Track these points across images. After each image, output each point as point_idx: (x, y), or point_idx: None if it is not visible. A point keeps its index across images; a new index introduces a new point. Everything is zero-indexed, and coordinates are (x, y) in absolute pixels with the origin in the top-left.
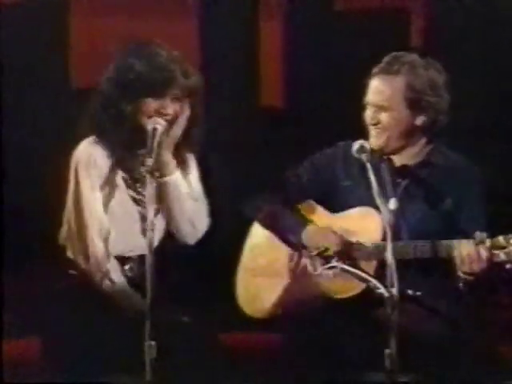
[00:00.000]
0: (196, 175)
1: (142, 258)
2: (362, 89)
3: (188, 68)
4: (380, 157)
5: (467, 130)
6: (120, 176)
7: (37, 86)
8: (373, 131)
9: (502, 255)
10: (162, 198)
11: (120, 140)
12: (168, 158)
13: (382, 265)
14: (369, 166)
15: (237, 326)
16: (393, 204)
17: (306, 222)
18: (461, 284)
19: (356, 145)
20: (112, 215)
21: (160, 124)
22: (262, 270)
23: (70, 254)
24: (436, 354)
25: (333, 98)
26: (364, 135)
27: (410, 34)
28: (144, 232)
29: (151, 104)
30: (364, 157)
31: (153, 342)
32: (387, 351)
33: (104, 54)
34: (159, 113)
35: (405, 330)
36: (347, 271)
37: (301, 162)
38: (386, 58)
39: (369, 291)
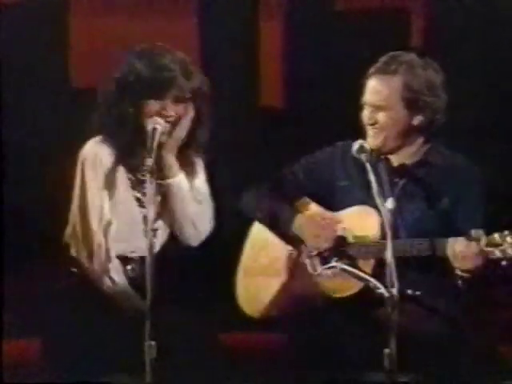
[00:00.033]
0: (203, 178)
1: (143, 258)
2: (361, 89)
3: (191, 69)
4: (377, 156)
5: (467, 129)
6: (125, 176)
7: (37, 86)
8: (370, 131)
9: (497, 252)
10: (166, 199)
11: (123, 141)
12: (171, 160)
13: (380, 263)
14: (368, 165)
15: (237, 326)
16: (390, 203)
17: (297, 212)
18: (459, 281)
19: (356, 145)
20: (116, 215)
21: (159, 124)
22: (262, 269)
23: (73, 252)
24: (436, 354)
25: (333, 98)
26: (364, 135)
27: (410, 34)
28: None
29: (152, 105)
30: (364, 157)
31: (153, 342)
32: (387, 351)
33: (104, 53)
34: (160, 114)
35: (404, 329)
36: (347, 271)
37: (298, 161)
38: (383, 58)
39: (368, 291)
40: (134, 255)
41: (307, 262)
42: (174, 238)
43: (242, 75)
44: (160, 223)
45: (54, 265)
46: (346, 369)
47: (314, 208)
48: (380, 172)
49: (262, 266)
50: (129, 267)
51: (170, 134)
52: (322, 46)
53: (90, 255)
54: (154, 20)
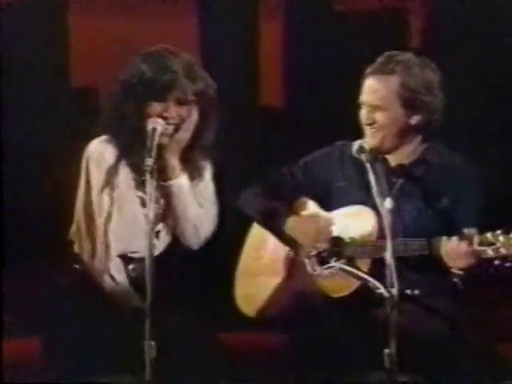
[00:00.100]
0: (209, 182)
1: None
2: (361, 89)
3: (196, 72)
4: (375, 156)
5: (466, 129)
6: (129, 176)
7: (37, 86)
8: (368, 131)
9: (489, 251)
10: (168, 201)
11: (125, 141)
12: (173, 161)
13: (376, 263)
14: (368, 166)
15: (236, 326)
16: (389, 203)
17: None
18: (456, 280)
19: (356, 145)
20: (119, 214)
21: (159, 124)
22: (261, 269)
23: (76, 248)
24: (435, 354)
25: (332, 98)
26: (363, 135)
27: (409, 34)
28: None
29: (154, 107)
30: (363, 157)
31: (152, 342)
32: (386, 351)
33: (104, 53)
34: (162, 116)
35: (404, 329)
36: (346, 271)
37: (297, 161)
38: (380, 58)
39: (366, 290)
40: (135, 255)
41: (306, 261)
42: (177, 240)
43: (242, 75)
44: (163, 225)
45: (56, 263)
46: (346, 369)
47: (311, 208)
48: (378, 172)
49: (262, 266)
50: (130, 267)
51: (172, 136)
52: (322, 46)
53: (93, 252)
54: (154, 20)
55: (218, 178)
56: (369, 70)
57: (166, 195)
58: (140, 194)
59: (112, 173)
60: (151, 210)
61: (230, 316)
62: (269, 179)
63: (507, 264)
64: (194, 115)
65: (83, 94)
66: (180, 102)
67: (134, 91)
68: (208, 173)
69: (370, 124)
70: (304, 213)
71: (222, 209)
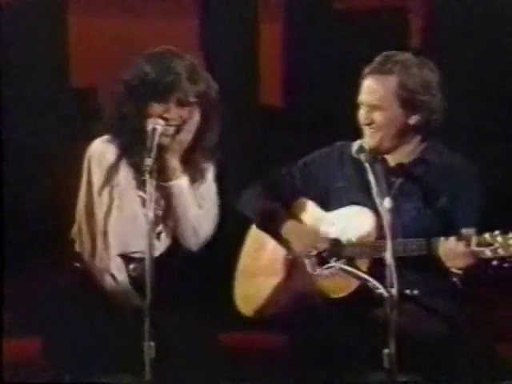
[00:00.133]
0: (211, 183)
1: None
2: (360, 89)
3: (199, 73)
4: (375, 156)
5: (466, 129)
6: (131, 176)
7: (36, 86)
8: (367, 131)
9: (487, 252)
10: (168, 202)
11: (126, 141)
12: (174, 162)
13: (375, 263)
14: (367, 166)
15: (236, 327)
16: (388, 203)
17: (290, 217)
18: (455, 279)
19: (355, 145)
20: (121, 214)
21: (159, 124)
22: (261, 269)
23: (77, 247)
24: (434, 354)
25: (332, 98)
26: (363, 135)
27: (409, 34)
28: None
29: (155, 108)
30: (362, 157)
31: (152, 343)
32: (386, 351)
33: (104, 53)
34: (163, 117)
35: (403, 329)
36: (347, 271)
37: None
38: (378, 58)
39: (366, 290)
40: (136, 255)
41: (306, 261)
42: (178, 242)
43: (242, 75)
44: (164, 226)
45: (56, 263)
46: (346, 369)
47: (310, 209)
48: (377, 172)
49: (261, 266)
50: (131, 266)
51: (173, 137)
52: (322, 46)
53: (93, 251)
54: (154, 20)
55: (220, 180)
56: (367, 70)
57: (166, 196)
58: (141, 193)
59: (113, 172)
60: (151, 210)
61: (230, 316)
62: (268, 180)
63: (505, 264)
64: (196, 117)
65: (83, 93)
66: (181, 104)
67: (135, 92)
68: (210, 174)
69: (368, 124)
70: (303, 216)
71: (223, 210)
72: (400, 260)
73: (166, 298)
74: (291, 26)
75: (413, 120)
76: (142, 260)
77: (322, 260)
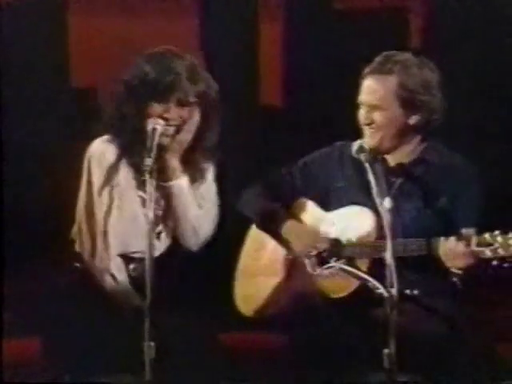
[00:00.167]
0: (211, 183)
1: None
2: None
3: (199, 73)
4: (375, 156)
5: (466, 129)
6: (131, 176)
7: (36, 86)
8: (367, 131)
9: (487, 252)
10: (168, 202)
11: (126, 141)
12: (174, 162)
13: (376, 263)
14: (367, 166)
15: (236, 327)
16: (388, 203)
17: (290, 217)
18: (455, 279)
19: (355, 145)
20: (121, 214)
21: (159, 124)
22: (261, 269)
23: (77, 247)
24: (434, 354)
25: (332, 98)
26: (363, 135)
27: (409, 34)
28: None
29: (155, 108)
30: (363, 157)
31: (152, 343)
32: (386, 351)
33: (104, 53)
34: (162, 117)
35: (403, 329)
36: (347, 271)
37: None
38: (378, 58)
39: (366, 290)
40: (136, 255)
41: (306, 261)
42: (178, 242)
43: (242, 75)
44: (164, 226)
45: (56, 263)
46: (346, 369)
47: (310, 209)
48: (377, 172)
49: (261, 266)
50: (131, 266)
51: (173, 137)
52: (322, 46)
53: (93, 251)
54: (154, 20)
55: (220, 180)
56: (367, 70)
57: (166, 196)
58: (141, 193)
59: (113, 172)
60: (151, 210)
61: (230, 316)
62: (268, 180)
63: (505, 264)
64: (196, 117)
65: (83, 94)
66: (181, 104)
67: (135, 92)
68: (210, 174)
69: (368, 124)
70: (303, 216)
71: (223, 210)
72: (400, 260)
73: (166, 298)
74: (291, 26)
75: (413, 120)
76: (142, 260)
77: (321, 260)
